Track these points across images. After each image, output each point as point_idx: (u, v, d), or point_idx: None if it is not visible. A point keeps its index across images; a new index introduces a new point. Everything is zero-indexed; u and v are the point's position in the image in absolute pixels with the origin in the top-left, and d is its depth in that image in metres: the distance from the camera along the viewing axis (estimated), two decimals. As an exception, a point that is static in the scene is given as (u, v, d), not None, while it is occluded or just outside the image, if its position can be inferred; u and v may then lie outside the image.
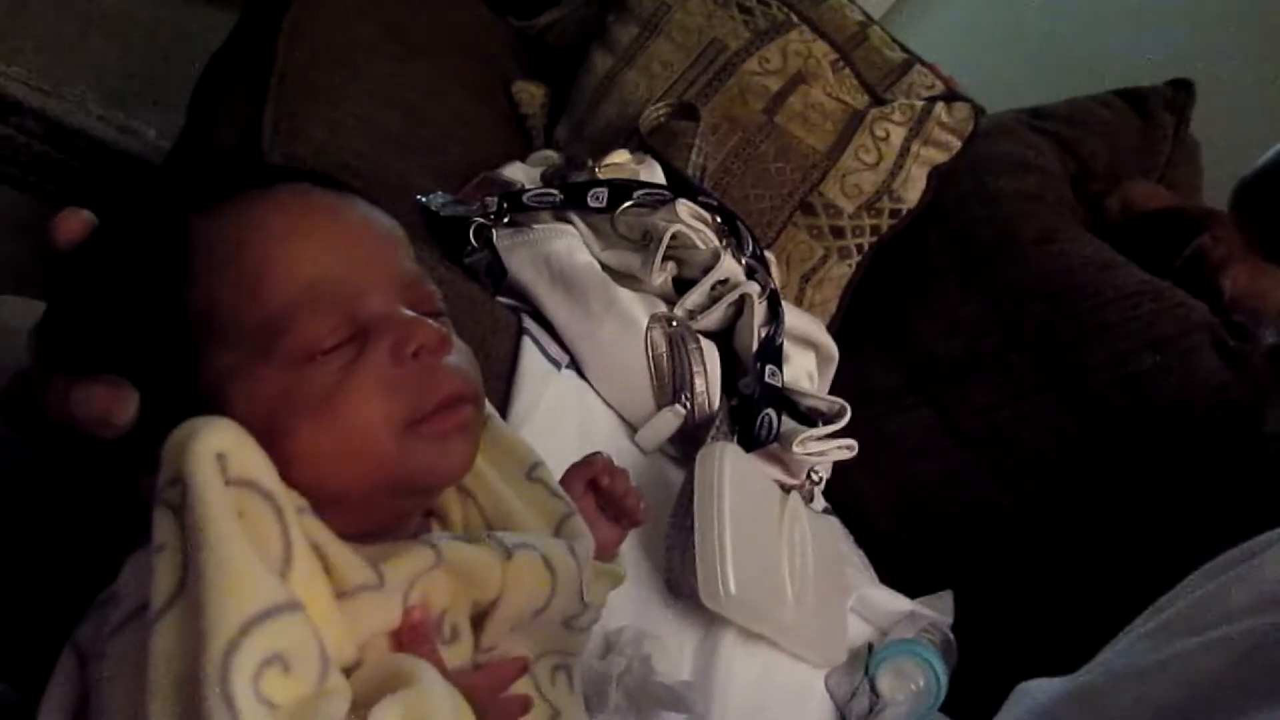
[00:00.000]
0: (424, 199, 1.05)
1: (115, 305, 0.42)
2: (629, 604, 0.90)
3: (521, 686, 0.44)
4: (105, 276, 0.42)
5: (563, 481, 0.56)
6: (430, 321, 0.43)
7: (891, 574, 1.19)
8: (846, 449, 1.04)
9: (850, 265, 1.35)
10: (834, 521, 1.22)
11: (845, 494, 1.27)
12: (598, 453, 0.58)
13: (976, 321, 1.26)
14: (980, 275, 1.29)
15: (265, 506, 0.36)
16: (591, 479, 0.57)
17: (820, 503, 1.22)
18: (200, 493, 0.34)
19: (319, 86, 1.07)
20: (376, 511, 0.42)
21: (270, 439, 0.38)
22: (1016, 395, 1.22)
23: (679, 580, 0.92)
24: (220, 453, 0.35)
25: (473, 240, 1.03)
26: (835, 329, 1.35)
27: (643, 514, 0.58)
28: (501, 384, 0.92)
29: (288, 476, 0.38)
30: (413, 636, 0.40)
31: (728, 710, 0.89)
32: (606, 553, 0.57)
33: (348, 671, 0.38)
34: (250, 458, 0.37)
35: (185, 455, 0.35)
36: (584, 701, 0.79)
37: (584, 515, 0.54)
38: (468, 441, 0.43)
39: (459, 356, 0.44)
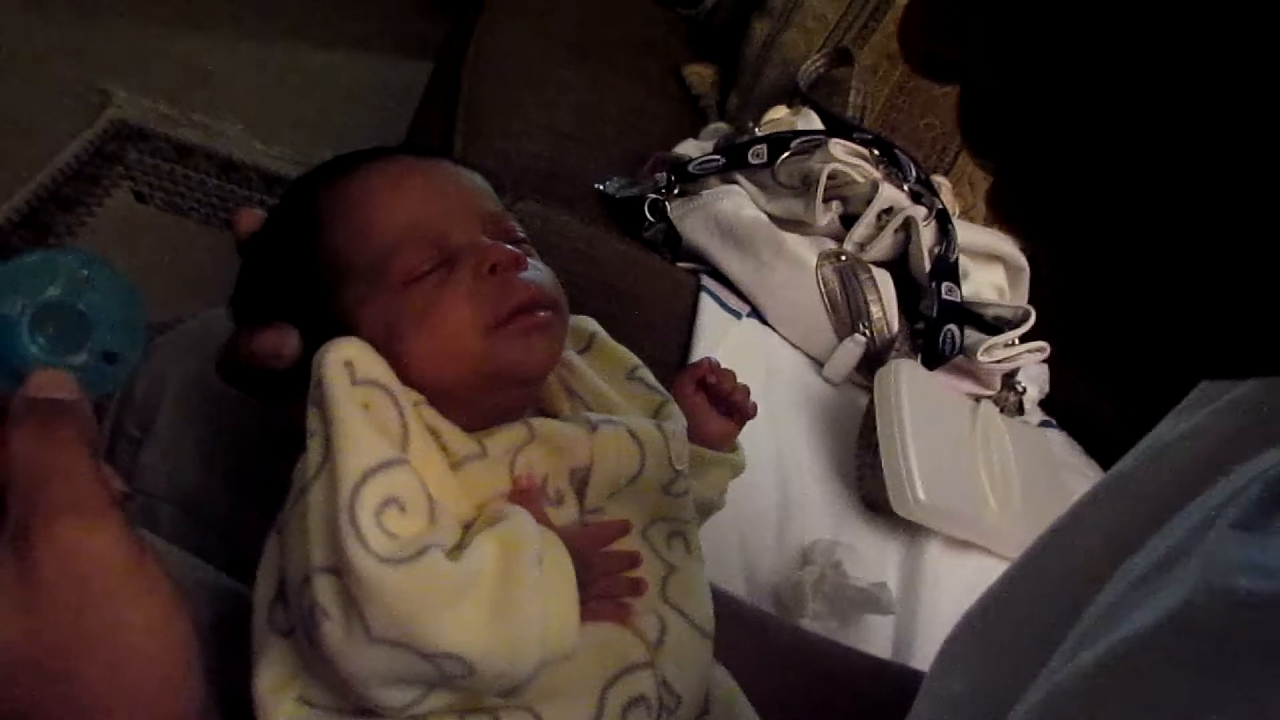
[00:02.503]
0: (600, 186, 1.16)
1: (272, 266, 0.55)
2: (827, 525, 0.95)
3: (631, 545, 0.52)
4: (266, 248, 0.56)
5: (676, 384, 0.63)
6: (506, 245, 0.53)
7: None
8: (1037, 351, 1.04)
9: (1040, 177, 1.32)
10: (1052, 433, 1.21)
11: (1069, 404, 1.25)
12: (706, 358, 0.65)
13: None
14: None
15: (385, 398, 0.47)
16: (700, 378, 0.63)
17: (1037, 415, 1.21)
18: (330, 389, 0.46)
19: (499, 105, 1.20)
20: (483, 404, 0.51)
21: (388, 349, 0.49)
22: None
23: (873, 497, 0.96)
24: (348, 360, 0.47)
25: (649, 215, 1.13)
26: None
27: (751, 405, 0.64)
28: (682, 335, 1.00)
29: (405, 377, 0.49)
30: (522, 499, 0.49)
31: (939, 614, 0.92)
32: (724, 444, 0.63)
33: (469, 524, 0.48)
34: (371, 363, 0.48)
35: (322, 365, 0.47)
36: (785, 611, 0.87)
37: (696, 411, 0.62)
38: (546, 339, 0.52)
39: (536, 273, 0.53)
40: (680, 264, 1.12)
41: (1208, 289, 0.27)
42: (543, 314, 0.51)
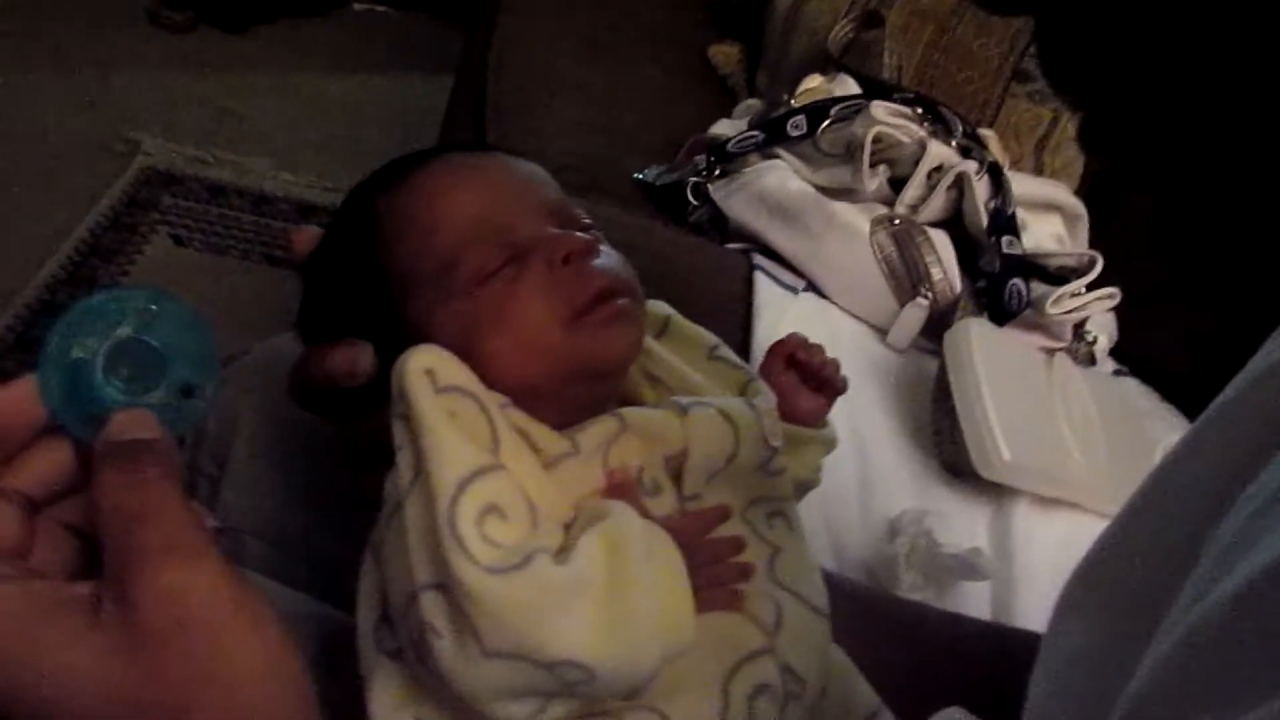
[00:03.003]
0: (639, 175, 1.14)
1: (338, 282, 0.53)
2: (911, 495, 0.93)
3: (733, 529, 0.50)
4: (328, 264, 0.54)
5: (765, 363, 0.61)
6: (575, 233, 0.51)
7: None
8: (1107, 298, 1.01)
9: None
10: (1126, 381, 1.17)
11: (1142, 351, 1.21)
12: (793, 333, 0.63)
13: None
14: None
15: (471, 404, 0.45)
16: (789, 355, 0.61)
17: (1109, 364, 1.18)
18: (415, 400, 0.44)
19: (527, 108, 1.19)
20: (569, 400, 0.49)
21: (467, 353, 0.47)
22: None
23: (955, 461, 0.93)
24: (428, 369, 0.45)
25: (692, 199, 1.11)
26: (1087, 187, 1.29)
27: (843, 379, 0.62)
28: (740, 317, 0.98)
29: (487, 380, 0.47)
30: (618, 493, 0.47)
31: (1035, 574, 0.89)
32: (814, 420, 0.61)
33: (569, 525, 0.46)
34: (452, 369, 0.46)
35: (403, 377, 0.45)
36: (879, 585, 0.84)
37: (786, 389, 0.59)
38: (627, 326, 0.50)
39: (608, 259, 0.51)
40: (730, 245, 1.10)
41: None
42: (621, 301, 0.49)
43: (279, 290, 1.75)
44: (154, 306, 0.43)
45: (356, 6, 2.58)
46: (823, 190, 1.07)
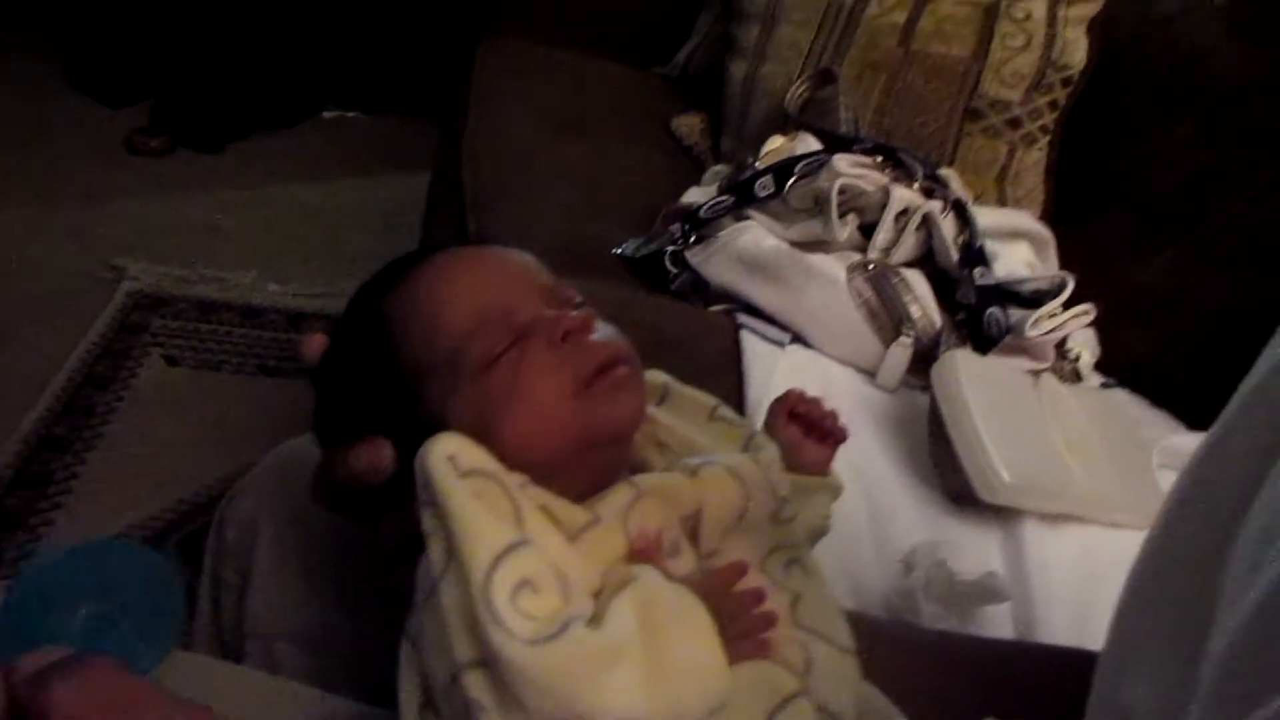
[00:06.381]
0: (618, 250, 1.18)
1: (353, 384, 0.56)
2: (921, 528, 0.95)
3: (754, 580, 0.52)
4: (341, 367, 0.57)
5: (769, 419, 0.64)
6: (571, 311, 0.54)
7: (1200, 420, 1.15)
8: (1083, 315, 1.04)
9: (1040, 149, 1.33)
10: (1115, 392, 1.20)
11: (1126, 362, 1.24)
12: (792, 389, 0.66)
13: (1190, 140, 1.21)
14: (1179, 95, 1.25)
15: (493, 485, 0.48)
16: (790, 409, 0.64)
17: (1095, 379, 1.20)
18: (440, 486, 0.47)
19: (504, 195, 1.23)
20: (584, 471, 0.52)
21: (484, 436, 0.50)
22: (1261, 195, 1.16)
23: (958, 490, 0.95)
24: (450, 455, 0.48)
25: (671, 267, 1.14)
26: (1051, 211, 1.33)
27: (843, 429, 0.65)
28: (732, 376, 1.01)
29: (505, 460, 0.50)
30: (642, 557, 0.50)
31: (1052, 591, 0.91)
32: (820, 469, 0.64)
33: (598, 592, 0.48)
34: (473, 453, 0.49)
35: (426, 466, 0.48)
36: (903, 618, 0.86)
37: (791, 442, 0.63)
38: (632, 393, 0.53)
39: (605, 332, 0.54)
40: (713, 307, 1.13)
41: None
42: (622, 369, 0.52)
43: (276, 400, 1.77)
44: (124, 565, 0.45)
45: (326, 115, 2.64)
46: (797, 245, 1.10)
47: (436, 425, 0.51)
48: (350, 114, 2.66)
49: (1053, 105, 1.33)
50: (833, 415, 0.64)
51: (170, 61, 2.47)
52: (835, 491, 0.64)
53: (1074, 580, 0.92)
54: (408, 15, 2.54)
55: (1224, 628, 0.36)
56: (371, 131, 2.61)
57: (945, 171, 1.21)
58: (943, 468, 0.96)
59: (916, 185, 1.09)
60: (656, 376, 0.62)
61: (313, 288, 2.06)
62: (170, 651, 0.47)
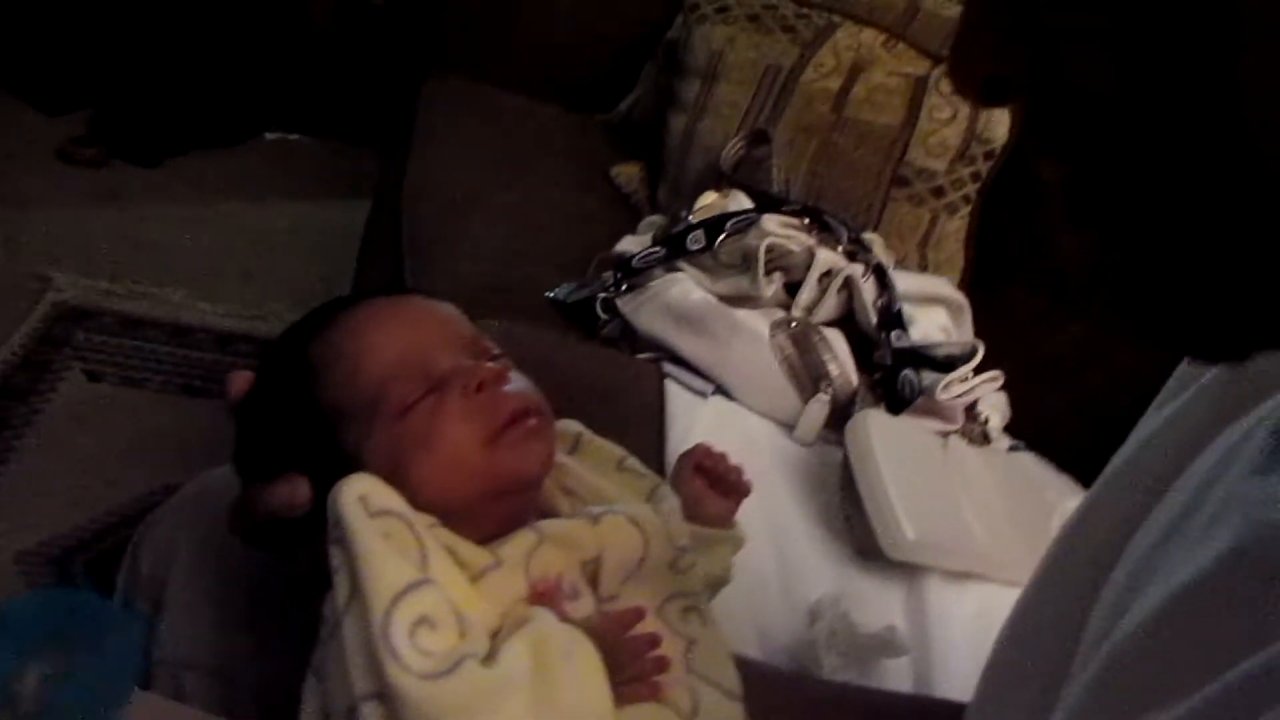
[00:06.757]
0: (551, 294, 1.20)
1: (275, 421, 0.58)
2: (828, 580, 0.98)
3: (650, 627, 0.55)
4: (264, 404, 0.59)
5: (675, 471, 0.67)
6: (488, 363, 0.56)
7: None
8: (992, 380, 1.09)
9: (962, 218, 1.39)
10: (1022, 455, 1.25)
11: (1034, 426, 1.30)
12: (700, 443, 0.69)
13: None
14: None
15: (402, 526, 0.51)
16: (696, 463, 0.67)
17: (1004, 442, 1.25)
18: (350, 525, 0.49)
19: (442, 233, 1.25)
20: (491, 515, 0.55)
21: (396, 478, 0.53)
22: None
23: (865, 544, 0.99)
24: (362, 495, 0.50)
25: (602, 313, 1.17)
26: (969, 277, 1.39)
27: (747, 484, 0.68)
28: (655, 424, 1.04)
29: (415, 502, 0.52)
30: (542, 600, 0.53)
31: (952, 646, 0.94)
32: (725, 522, 0.67)
33: (496, 631, 0.50)
34: (384, 494, 0.51)
35: (338, 504, 0.50)
36: (803, 670, 0.89)
37: (697, 495, 0.66)
38: (540, 443, 0.56)
39: (519, 384, 0.57)
40: (640, 355, 1.16)
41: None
42: (533, 420, 0.55)
43: (198, 421, 1.75)
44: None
45: (269, 136, 2.63)
46: (724, 299, 1.14)
47: (352, 465, 0.53)
48: (293, 137, 2.66)
49: (975, 176, 1.39)
50: (737, 470, 0.67)
51: (110, 71, 2.44)
52: (737, 544, 0.67)
53: (973, 636, 0.96)
54: (356, 42, 2.55)
55: (1076, 680, 0.39)
56: (314, 156, 2.61)
57: (869, 236, 1.26)
58: (852, 522, 1.00)
59: (841, 248, 1.14)
60: (570, 426, 0.65)
61: (244, 309, 2.05)
62: (128, 703, 0.47)
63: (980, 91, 0.32)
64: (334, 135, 2.62)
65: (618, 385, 1.05)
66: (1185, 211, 0.29)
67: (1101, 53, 0.28)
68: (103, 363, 1.89)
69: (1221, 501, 0.36)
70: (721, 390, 1.12)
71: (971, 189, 1.39)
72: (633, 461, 0.64)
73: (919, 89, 1.41)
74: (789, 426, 1.11)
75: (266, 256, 2.20)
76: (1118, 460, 0.52)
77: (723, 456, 0.68)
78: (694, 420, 1.05)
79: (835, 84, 1.42)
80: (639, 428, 1.03)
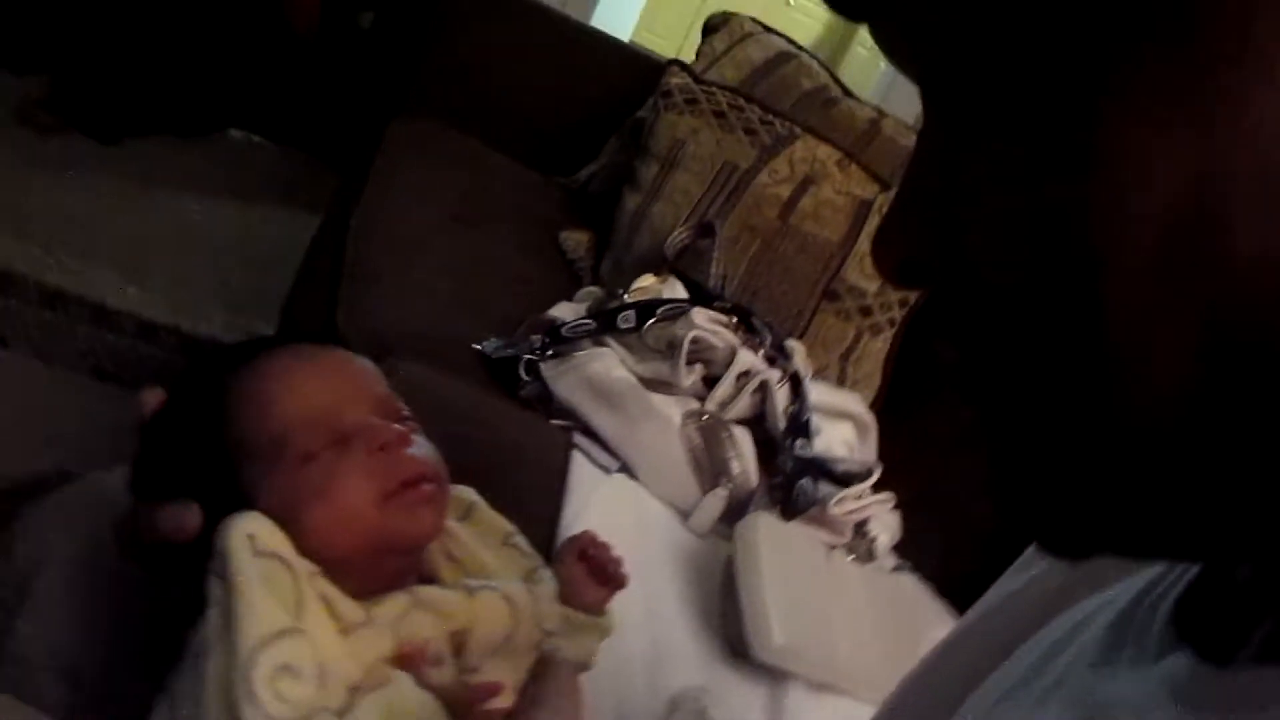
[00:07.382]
0: (478, 346, 1.23)
1: (178, 446, 0.59)
2: (695, 672, 1.00)
3: (506, 702, 0.57)
4: (170, 427, 0.60)
5: (560, 551, 0.69)
6: (394, 425, 0.59)
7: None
8: (882, 502, 1.14)
9: (884, 340, 1.45)
10: (903, 577, 1.30)
11: (921, 551, 1.34)
12: (586, 530, 0.72)
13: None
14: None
15: (283, 570, 0.52)
16: (580, 549, 0.70)
17: (890, 560, 1.30)
18: (233, 561, 0.51)
19: (383, 270, 1.27)
20: (374, 571, 0.56)
21: (288, 522, 0.54)
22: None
23: (736, 642, 1.02)
24: (250, 534, 0.52)
25: (524, 374, 1.20)
26: (883, 397, 1.45)
27: (624, 577, 0.70)
28: (554, 492, 1.06)
29: (303, 548, 0.54)
30: (405, 663, 0.54)
31: (800, 756, 0.97)
32: (596, 609, 0.69)
33: (357, 687, 0.52)
34: (272, 536, 0.53)
35: (226, 539, 0.52)
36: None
37: (576, 579, 0.68)
38: (432, 509, 0.58)
39: (421, 449, 0.59)
40: (554, 421, 1.18)
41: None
42: (428, 487, 0.57)
43: (101, 407, 1.72)
44: None
45: (234, 134, 2.63)
46: (644, 380, 1.17)
47: (246, 502, 0.54)
48: (257, 139, 2.65)
49: (903, 303, 1.45)
50: (617, 563, 0.70)
51: (77, 39, 2.39)
52: (604, 632, 0.69)
53: (824, 750, 0.99)
54: (337, 59, 2.57)
55: None
56: (274, 162, 2.61)
57: (792, 343, 1.31)
58: (728, 618, 1.03)
59: (763, 352, 1.18)
60: (465, 494, 0.67)
61: (172, 303, 2.03)
62: None
63: (895, 273, 0.34)
64: (298, 145, 2.62)
65: (526, 447, 1.08)
66: (1048, 418, 0.31)
67: (1003, 249, 0.30)
68: (15, 331, 1.85)
69: (1057, 680, 0.39)
70: (626, 469, 1.14)
71: (898, 314, 1.45)
72: (519, 539, 0.66)
73: (863, 211, 1.47)
74: (685, 514, 1.14)
75: (205, 255, 2.19)
76: (971, 615, 0.55)
77: (605, 546, 0.70)
78: (594, 494, 1.07)
79: (786, 191, 1.48)
80: (539, 494, 1.05)
